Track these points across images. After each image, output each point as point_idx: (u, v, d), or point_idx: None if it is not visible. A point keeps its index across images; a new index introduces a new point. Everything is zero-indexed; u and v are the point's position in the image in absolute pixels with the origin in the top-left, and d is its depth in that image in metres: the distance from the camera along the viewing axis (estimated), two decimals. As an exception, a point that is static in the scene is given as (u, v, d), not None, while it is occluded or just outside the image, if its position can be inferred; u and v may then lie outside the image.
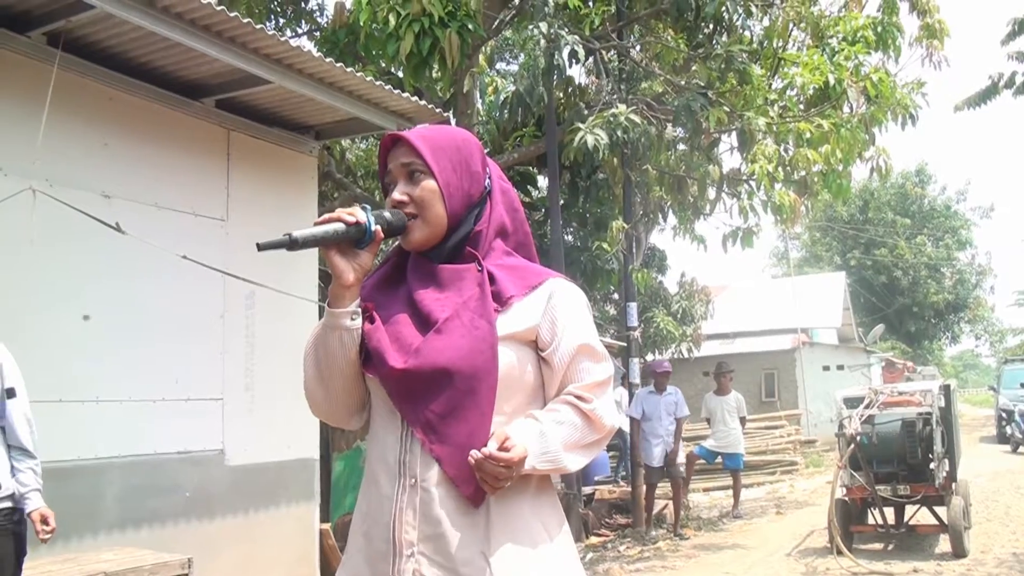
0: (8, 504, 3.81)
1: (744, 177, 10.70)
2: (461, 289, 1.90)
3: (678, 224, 13.57)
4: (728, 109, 9.35)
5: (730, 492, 12.49)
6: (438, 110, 7.46)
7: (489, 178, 2.03)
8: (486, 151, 2.15)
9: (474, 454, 1.75)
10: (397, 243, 2.02)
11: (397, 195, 1.94)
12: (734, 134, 9.95)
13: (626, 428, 11.05)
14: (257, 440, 6.52)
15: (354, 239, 1.85)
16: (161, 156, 6.07)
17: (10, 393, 3.87)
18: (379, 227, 1.86)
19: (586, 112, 9.58)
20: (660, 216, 12.98)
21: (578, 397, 1.90)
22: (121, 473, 5.58)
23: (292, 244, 1.77)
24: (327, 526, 7.55)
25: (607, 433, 1.95)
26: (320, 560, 7.11)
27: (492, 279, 1.92)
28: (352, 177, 11.94)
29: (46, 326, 5.19)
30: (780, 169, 9.92)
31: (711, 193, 10.97)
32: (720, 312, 20.96)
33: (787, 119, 9.87)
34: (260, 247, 1.79)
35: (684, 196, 11.16)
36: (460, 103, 9.91)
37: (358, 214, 1.85)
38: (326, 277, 9.89)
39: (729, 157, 11.92)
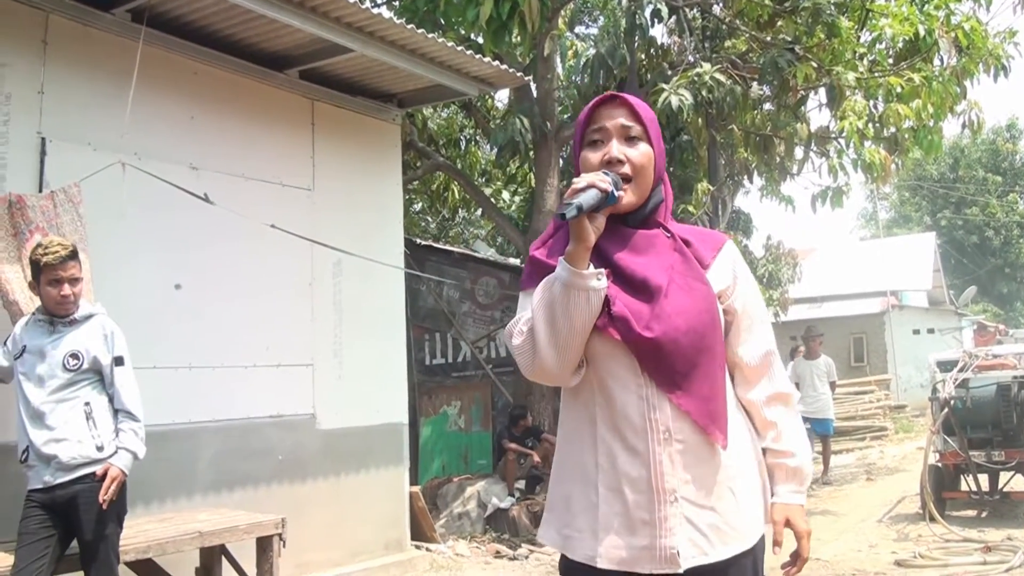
0: None
1: (833, 135, 10.43)
2: (660, 254, 2.04)
3: (764, 185, 13.31)
4: (816, 64, 9.09)
5: (819, 458, 12.31)
6: (519, 74, 7.40)
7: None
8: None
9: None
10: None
11: (616, 152, 2.04)
12: (822, 90, 9.69)
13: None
14: (347, 405, 6.62)
15: (601, 203, 1.94)
16: (247, 128, 6.16)
17: (118, 361, 4.04)
18: (622, 193, 1.98)
19: (669, 73, 9.42)
20: (746, 177, 12.70)
21: (775, 396, 2.15)
22: (215, 437, 5.73)
23: (580, 212, 1.87)
24: (416, 489, 7.65)
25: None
26: (411, 522, 7.21)
27: (687, 244, 2.08)
28: (435, 146, 11.96)
29: (139, 296, 5.33)
30: (870, 126, 9.65)
31: (798, 152, 10.73)
32: (807, 275, 20.52)
33: (877, 73, 9.57)
34: (565, 218, 1.86)
35: (771, 156, 10.90)
36: (540, 67, 9.83)
37: (606, 180, 1.94)
38: (411, 246, 9.95)
39: (817, 115, 11.68)
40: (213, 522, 4.89)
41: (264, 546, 4.92)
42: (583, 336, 1.97)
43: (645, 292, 1.98)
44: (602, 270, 1.95)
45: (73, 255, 3.97)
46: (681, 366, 1.96)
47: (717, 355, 2.02)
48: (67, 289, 3.94)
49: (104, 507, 3.82)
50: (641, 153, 2.05)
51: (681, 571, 1.95)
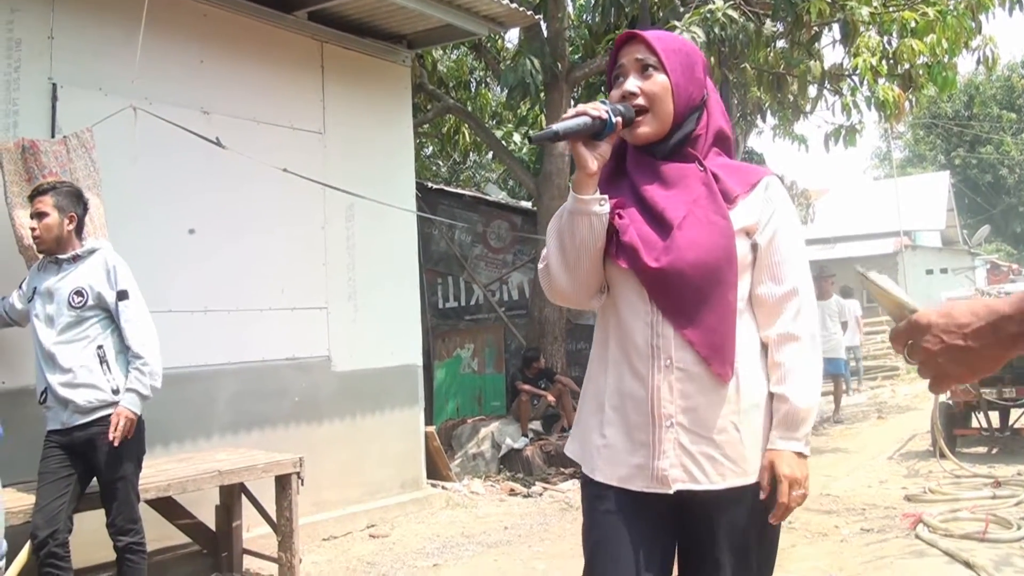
0: None
1: (847, 72, 10.30)
2: (688, 187, 2.06)
3: (777, 125, 13.21)
4: (829, 0, 8.97)
5: (831, 397, 12.37)
6: (529, 13, 7.34)
7: (707, 90, 2.17)
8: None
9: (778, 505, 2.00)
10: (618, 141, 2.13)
11: (630, 86, 2.08)
12: (836, 27, 9.57)
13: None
14: (361, 347, 6.68)
15: (597, 131, 1.97)
16: (257, 71, 6.14)
17: (122, 295, 3.99)
18: (619, 120, 1.99)
19: (681, 10, 9.29)
20: (759, 117, 12.59)
21: (786, 336, 2.06)
22: (231, 379, 5.80)
23: (555, 136, 1.93)
24: (431, 428, 7.75)
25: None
26: (426, 461, 7.31)
27: (716, 178, 2.07)
28: (444, 88, 11.88)
29: (153, 240, 5.36)
30: (884, 62, 9.53)
31: (812, 91, 10.61)
32: (821, 216, 20.45)
33: (891, 8, 9.44)
34: (532, 140, 2.03)
35: (784, 95, 10.78)
36: (551, 6, 9.72)
37: (601, 108, 1.98)
38: (423, 189, 9.94)
39: (831, 52, 11.52)
40: (232, 461, 4.98)
41: (283, 484, 5.01)
42: (591, 259, 2.05)
43: (661, 223, 2.02)
44: (604, 196, 2.02)
45: (40, 191, 4.03)
46: (690, 297, 2.00)
47: (729, 289, 2.02)
48: (33, 222, 4.00)
49: (116, 444, 3.84)
50: (654, 82, 2.07)
51: (671, 491, 2.01)
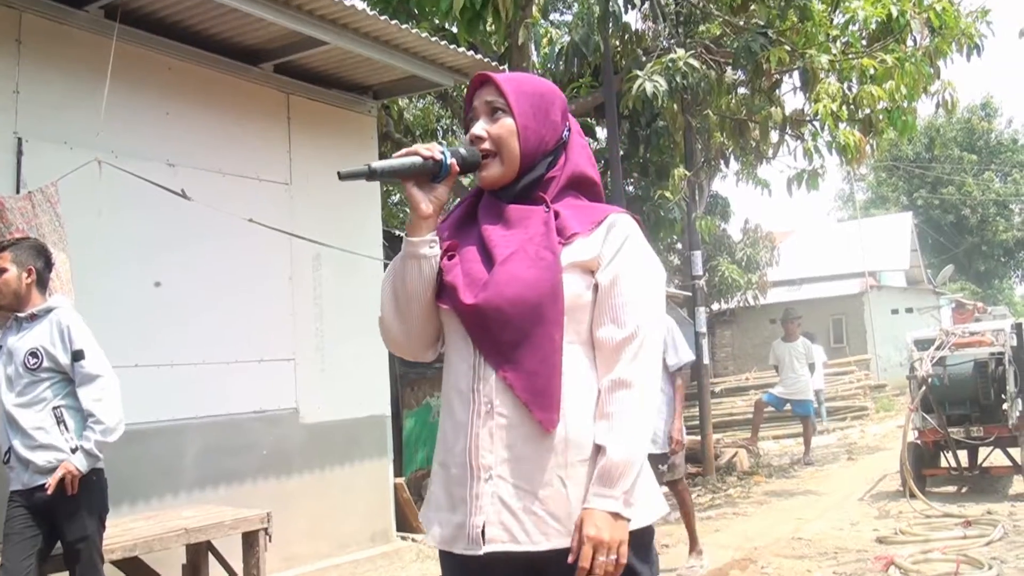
0: None
1: (808, 118, 10.47)
2: (527, 227, 1.95)
3: (741, 169, 13.36)
4: (789, 48, 9.13)
5: (800, 439, 12.41)
6: (494, 63, 7.41)
7: (569, 131, 2.09)
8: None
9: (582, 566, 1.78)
10: (474, 186, 2.10)
11: (476, 129, 2.02)
12: (796, 74, 9.73)
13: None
14: (330, 398, 6.64)
15: (431, 172, 1.92)
16: (223, 123, 6.15)
17: (77, 356, 3.90)
18: (454, 161, 1.93)
19: (644, 59, 9.44)
20: (722, 162, 12.75)
21: (618, 383, 1.88)
22: (198, 433, 5.73)
23: (371, 174, 1.86)
24: (401, 480, 7.68)
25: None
26: (396, 513, 7.24)
27: (557, 217, 1.97)
28: (411, 136, 11.96)
29: (119, 294, 5.32)
30: (844, 108, 9.70)
31: (774, 136, 10.76)
32: (786, 258, 20.69)
33: (850, 55, 9.62)
34: (341, 176, 1.88)
35: (746, 140, 10.95)
36: (515, 56, 9.82)
37: (434, 149, 1.92)
38: (391, 238, 9.96)
39: (792, 98, 11.72)
40: (199, 518, 4.90)
41: (250, 541, 4.93)
42: (422, 305, 1.98)
43: (490, 262, 1.93)
44: (435, 239, 1.96)
45: (0, 247, 4.00)
46: (508, 336, 1.87)
47: (554, 328, 1.87)
48: None
49: (49, 492, 3.74)
50: (501, 125, 1.99)
51: (480, 553, 1.85)
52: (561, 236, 1.93)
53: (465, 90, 12.03)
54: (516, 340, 1.87)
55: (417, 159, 1.90)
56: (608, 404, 1.87)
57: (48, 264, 4.11)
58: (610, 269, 1.93)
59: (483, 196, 2.07)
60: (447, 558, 1.98)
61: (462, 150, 1.98)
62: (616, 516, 1.81)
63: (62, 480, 3.77)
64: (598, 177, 2.14)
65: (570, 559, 1.80)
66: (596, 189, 2.12)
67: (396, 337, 2.06)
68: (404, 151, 1.92)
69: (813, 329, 16.51)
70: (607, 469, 1.82)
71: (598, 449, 1.86)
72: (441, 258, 1.98)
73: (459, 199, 2.16)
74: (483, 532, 1.85)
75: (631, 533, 1.84)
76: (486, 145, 2.00)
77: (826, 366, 14.34)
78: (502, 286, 1.87)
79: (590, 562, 1.77)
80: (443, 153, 1.92)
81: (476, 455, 1.88)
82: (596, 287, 1.94)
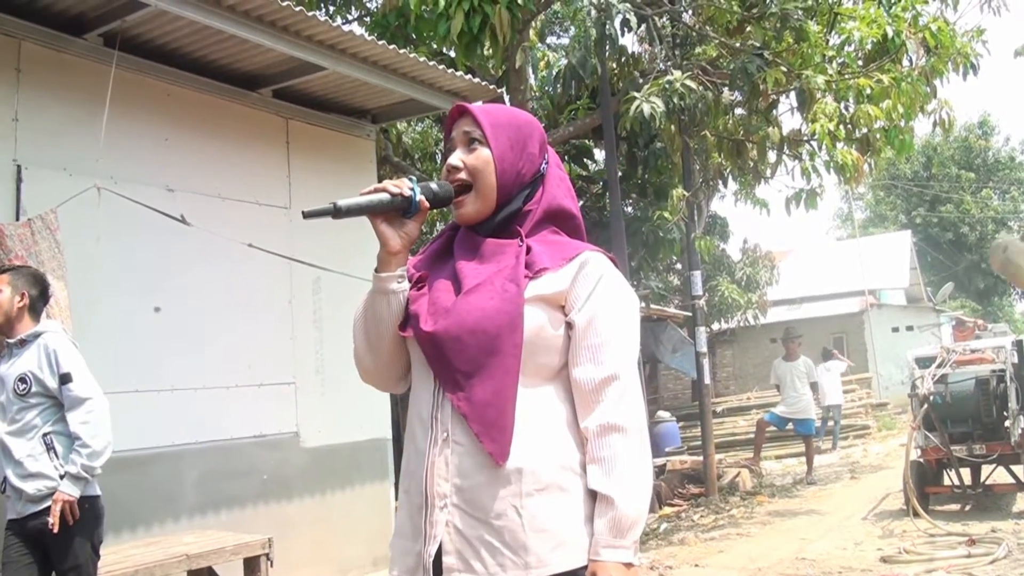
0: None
1: (805, 138, 10.50)
2: (500, 260, 1.94)
3: (739, 190, 13.40)
4: (785, 69, 9.17)
5: (802, 458, 12.37)
6: (492, 87, 7.45)
7: (547, 163, 2.08)
8: (541, 125, 2.17)
9: None
10: (452, 220, 2.08)
11: (452, 160, 1.99)
12: (793, 94, 9.75)
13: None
14: (330, 422, 6.63)
15: (400, 208, 1.89)
16: (222, 148, 6.17)
17: (65, 379, 3.86)
18: (423, 197, 1.90)
19: (641, 81, 9.49)
20: (721, 182, 12.78)
21: (609, 427, 1.86)
22: (199, 459, 5.72)
23: (336, 212, 1.83)
24: (402, 504, 7.64)
25: (642, 419, 1.93)
26: (397, 538, 7.20)
27: (529, 252, 1.95)
28: (410, 160, 11.99)
29: (119, 320, 5.32)
30: (841, 127, 9.72)
31: (772, 156, 10.79)
32: (785, 277, 20.71)
33: (846, 75, 9.66)
34: (305, 215, 1.85)
35: (744, 160, 10.97)
36: (513, 79, 9.87)
37: (403, 185, 1.90)
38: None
39: (789, 118, 11.72)
40: (200, 544, 4.87)
41: (252, 566, 4.91)
42: (391, 339, 1.99)
43: (459, 293, 1.92)
44: (403, 274, 1.96)
45: (1, 270, 4.02)
46: (465, 365, 1.86)
47: (511, 360, 1.85)
48: None
49: (55, 530, 3.72)
50: (477, 156, 1.98)
51: None
52: (529, 270, 1.91)
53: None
54: (471, 370, 1.85)
55: (385, 196, 1.88)
56: (601, 448, 1.85)
57: (44, 294, 4.10)
58: (586, 310, 1.91)
59: (460, 229, 2.06)
60: None
61: (433, 185, 1.95)
62: (628, 566, 1.81)
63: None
64: (576, 210, 2.13)
65: None
66: (574, 222, 2.10)
67: (368, 368, 2.09)
68: (372, 188, 1.90)
69: (814, 348, 16.49)
70: (618, 520, 1.80)
71: (594, 494, 1.84)
72: (411, 289, 1.98)
73: (439, 232, 2.13)
74: (440, 561, 1.84)
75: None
76: (462, 175, 1.98)
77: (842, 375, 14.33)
78: (463, 315, 1.86)
79: None
80: (412, 189, 1.90)
81: (432, 483, 1.87)
82: (570, 326, 1.92)
